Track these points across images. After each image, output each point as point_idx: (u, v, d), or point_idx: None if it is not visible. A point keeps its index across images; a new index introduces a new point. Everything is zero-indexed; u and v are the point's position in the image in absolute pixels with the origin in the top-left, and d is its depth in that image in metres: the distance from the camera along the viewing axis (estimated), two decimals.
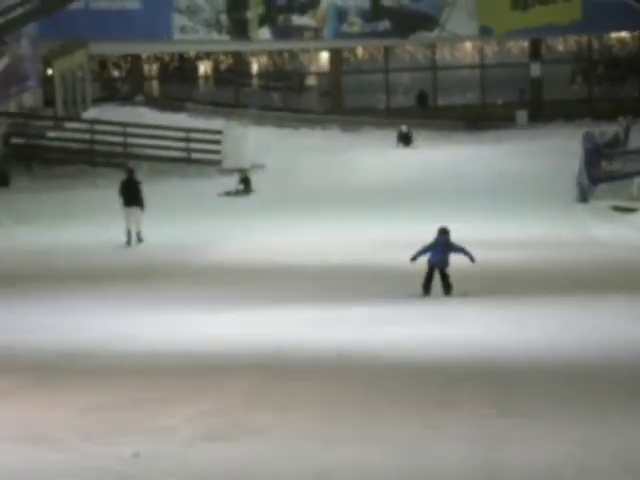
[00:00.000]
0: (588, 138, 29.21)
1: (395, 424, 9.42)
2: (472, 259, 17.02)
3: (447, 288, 16.81)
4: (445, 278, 16.83)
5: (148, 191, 30.42)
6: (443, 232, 17.13)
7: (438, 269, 16.84)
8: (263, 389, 11.01)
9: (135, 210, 23.18)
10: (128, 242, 23.10)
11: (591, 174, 28.49)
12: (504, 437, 9.03)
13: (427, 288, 16.79)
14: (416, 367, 11.94)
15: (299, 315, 15.41)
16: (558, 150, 33.41)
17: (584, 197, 28.30)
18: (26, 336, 14.24)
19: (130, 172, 24.20)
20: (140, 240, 23.21)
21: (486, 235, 23.22)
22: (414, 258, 17.02)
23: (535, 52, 42.11)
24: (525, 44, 42.41)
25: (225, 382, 11.26)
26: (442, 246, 16.90)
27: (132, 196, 23.22)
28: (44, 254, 22.18)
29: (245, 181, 31.26)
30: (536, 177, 31.14)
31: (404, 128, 37.62)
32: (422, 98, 42.19)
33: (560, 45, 42.93)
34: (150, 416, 9.83)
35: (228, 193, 30.68)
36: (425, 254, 16.97)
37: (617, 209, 26.67)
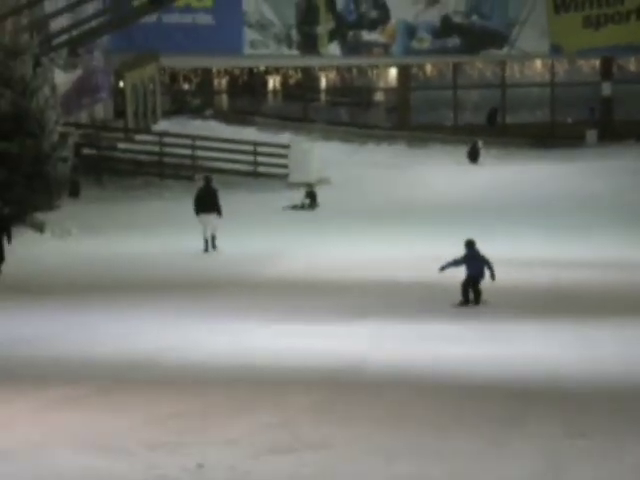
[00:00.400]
0: None
1: (459, 441, 9.37)
2: (493, 276, 17.58)
3: (477, 297, 17.61)
4: (477, 289, 17.63)
5: None
6: (470, 245, 17.93)
7: (474, 280, 17.65)
8: (326, 403, 11.00)
9: (212, 217, 23.97)
10: (206, 249, 23.80)
11: None
12: (569, 457, 8.93)
13: (467, 297, 17.61)
14: (479, 385, 11.87)
15: (362, 330, 15.39)
16: (628, 170, 33.03)
17: None
18: (90, 345, 14.38)
19: (208, 180, 25.12)
20: (215, 247, 23.83)
21: (551, 254, 23.01)
22: (443, 269, 17.93)
23: (606, 71, 41.71)
24: (596, 63, 42.04)
25: (288, 395, 11.28)
26: (473, 259, 17.74)
27: (209, 203, 24.12)
28: (110, 264, 22.40)
29: (311, 196, 31.34)
30: (604, 197, 30.80)
31: (479, 143, 37.35)
32: (492, 114, 41.95)
33: (632, 65, 42.50)
34: (214, 427, 9.87)
35: (294, 207, 30.77)
36: (455, 267, 17.81)
37: None
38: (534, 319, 16.27)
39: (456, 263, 17.73)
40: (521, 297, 18.33)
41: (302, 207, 30.89)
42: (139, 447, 9.18)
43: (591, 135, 40.44)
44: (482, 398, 11.14)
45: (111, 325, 15.83)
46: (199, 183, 25.63)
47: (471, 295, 17.52)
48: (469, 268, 17.59)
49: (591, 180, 33.27)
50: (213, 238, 23.86)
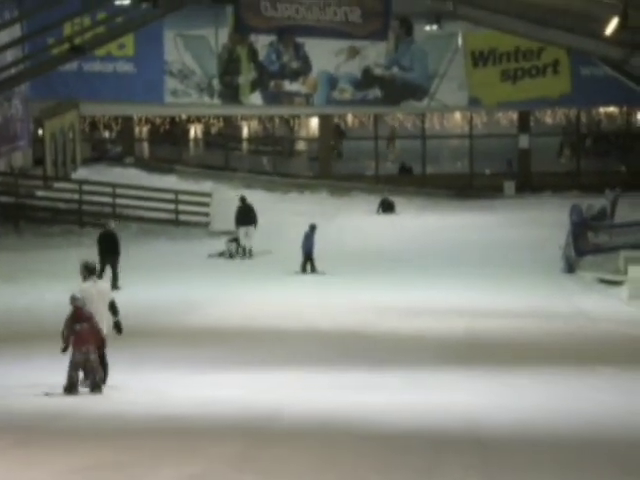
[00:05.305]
0: (575, 210, 29.35)
1: None
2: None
3: (313, 267, 27.20)
4: (312, 261, 27.18)
5: (135, 252, 30.42)
6: (313, 228, 27.68)
7: (309, 254, 27.31)
8: (248, 454, 10.93)
9: (249, 228, 29.97)
10: (243, 255, 29.71)
11: (578, 246, 28.59)
12: None
13: (304, 268, 27.36)
14: (400, 434, 11.89)
15: (283, 380, 15.35)
16: (545, 221, 33.54)
17: (570, 268, 28.38)
18: (6, 396, 14.12)
19: (243, 199, 30.98)
20: (250, 254, 29.68)
21: (471, 304, 23.22)
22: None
23: (523, 124, 42.47)
24: (514, 116, 42.80)
25: (210, 446, 11.18)
26: (310, 239, 27.52)
27: (247, 217, 30.17)
28: (29, 313, 22.06)
29: (237, 241, 31.21)
30: (523, 247, 31.22)
31: (388, 197, 37.91)
32: (404, 170, 42.66)
33: (548, 118, 43.35)
34: (134, 478, 9.74)
35: (221, 254, 30.56)
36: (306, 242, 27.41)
37: (603, 281, 26.73)
38: (452, 367, 16.37)
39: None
40: (437, 345, 18.46)
41: (230, 255, 30.57)
42: None
43: (509, 187, 41.07)
44: (402, 448, 11.15)
45: (30, 375, 15.55)
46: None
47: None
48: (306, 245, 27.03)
49: (508, 231, 33.73)
50: (250, 249, 29.69)
